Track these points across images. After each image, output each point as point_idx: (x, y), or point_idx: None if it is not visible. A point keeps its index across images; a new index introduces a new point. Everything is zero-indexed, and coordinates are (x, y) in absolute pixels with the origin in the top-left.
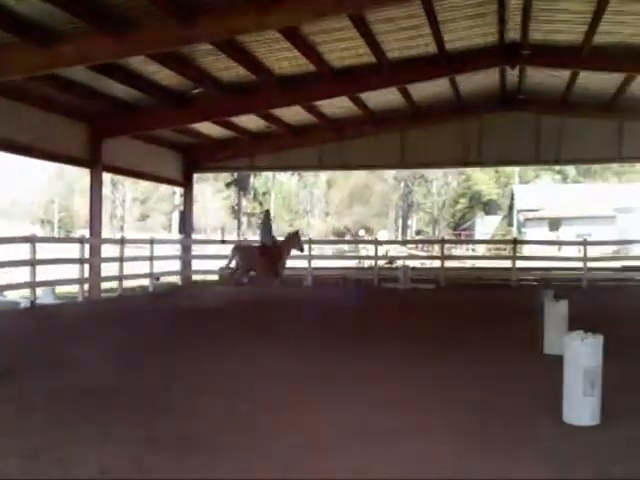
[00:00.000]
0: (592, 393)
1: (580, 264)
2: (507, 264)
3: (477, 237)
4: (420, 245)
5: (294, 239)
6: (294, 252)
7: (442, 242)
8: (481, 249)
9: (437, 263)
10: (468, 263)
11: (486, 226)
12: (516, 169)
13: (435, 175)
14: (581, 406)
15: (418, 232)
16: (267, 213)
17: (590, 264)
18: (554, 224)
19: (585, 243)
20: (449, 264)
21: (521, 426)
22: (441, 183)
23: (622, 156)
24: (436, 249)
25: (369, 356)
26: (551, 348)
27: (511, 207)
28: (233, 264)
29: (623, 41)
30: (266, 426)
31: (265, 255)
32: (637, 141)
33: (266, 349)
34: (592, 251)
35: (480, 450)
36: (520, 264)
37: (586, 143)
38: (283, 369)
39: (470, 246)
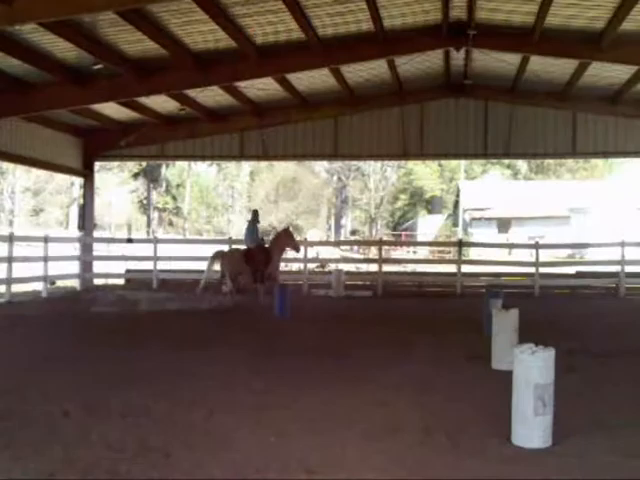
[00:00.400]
0: (544, 412)
1: (532, 269)
2: (452, 269)
3: (419, 238)
4: (355, 247)
5: (285, 237)
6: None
7: (380, 243)
8: (423, 252)
9: (374, 267)
10: (409, 267)
11: (429, 226)
12: (462, 163)
13: (372, 168)
14: (532, 426)
15: (353, 232)
16: (255, 213)
17: (542, 269)
18: (504, 225)
19: (537, 246)
20: (388, 268)
21: (466, 454)
22: (379, 177)
23: (576, 151)
24: (373, 251)
25: (297, 374)
26: (500, 362)
27: (456, 205)
28: (217, 272)
29: (577, 24)
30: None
31: (251, 261)
32: (591, 134)
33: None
34: (545, 255)
35: None
36: (466, 269)
37: (538, 136)
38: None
39: (411, 248)
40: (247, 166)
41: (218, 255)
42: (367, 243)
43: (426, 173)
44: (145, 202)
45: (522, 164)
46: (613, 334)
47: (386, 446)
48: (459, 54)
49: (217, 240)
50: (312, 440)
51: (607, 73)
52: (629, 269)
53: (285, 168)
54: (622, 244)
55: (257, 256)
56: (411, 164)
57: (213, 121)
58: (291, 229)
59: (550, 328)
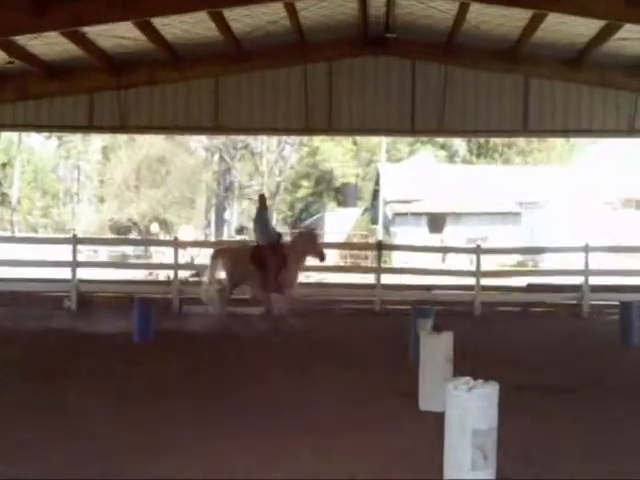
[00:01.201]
0: (484, 465)
1: (472, 281)
2: (369, 279)
3: (327, 239)
4: None
5: (308, 239)
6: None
7: None
8: (333, 256)
9: None
10: (313, 277)
11: (340, 222)
12: (383, 141)
13: (266, 146)
14: None
15: (240, 229)
16: (262, 199)
17: (485, 281)
18: (436, 222)
19: (479, 251)
20: None
21: None
22: (274, 158)
23: (528, 128)
24: None
25: (161, 423)
26: (429, 401)
27: (375, 196)
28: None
29: None
30: None
31: (260, 260)
32: (547, 107)
33: None
34: (488, 262)
35: None
36: (388, 279)
37: (480, 107)
38: None
39: None
40: (99, 140)
41: (218, 252)
42: None
43: (336, 153)
44: None
45: (460, 144)
46: (571, 365)
47: None
48: None
49: (58, 239)
50: None
51: (568, 28)
52: (594, 281)
53: (150, 144)
54: (586, 249)
55: (268, 256)
56: (317, 141)
57: (52, 79)
58: (315, 228)
59: (493, 357)
